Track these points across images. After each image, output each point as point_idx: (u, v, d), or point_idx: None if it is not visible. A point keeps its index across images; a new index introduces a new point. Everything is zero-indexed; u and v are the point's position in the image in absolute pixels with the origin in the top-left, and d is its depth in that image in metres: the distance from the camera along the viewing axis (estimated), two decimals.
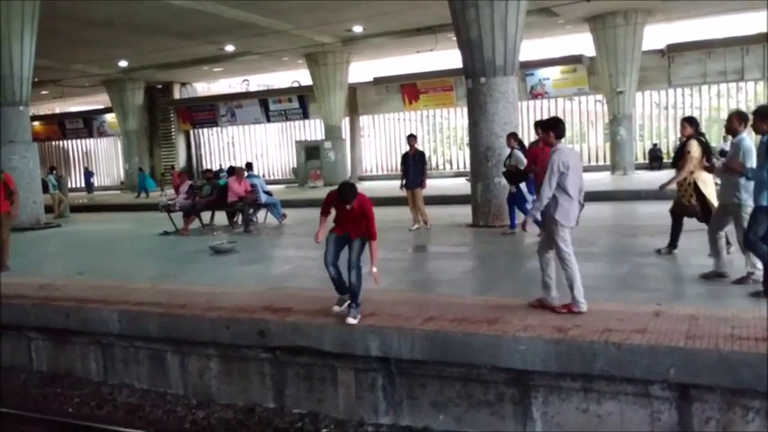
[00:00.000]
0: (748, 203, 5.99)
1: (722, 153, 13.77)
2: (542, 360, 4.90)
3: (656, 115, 25.37)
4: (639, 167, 22.67)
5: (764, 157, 5.60)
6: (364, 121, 28.70)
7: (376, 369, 5.61)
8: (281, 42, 21.65)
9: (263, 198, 13.26)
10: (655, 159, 23.02)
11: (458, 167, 26.63)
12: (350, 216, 5.72)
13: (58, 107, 36.09)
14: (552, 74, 24.06)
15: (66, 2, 15.55)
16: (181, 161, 30.79)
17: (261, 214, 13.70)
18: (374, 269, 5.65)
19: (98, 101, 32.43)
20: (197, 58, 24.30)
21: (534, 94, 24.53)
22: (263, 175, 23.37)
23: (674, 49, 22.37)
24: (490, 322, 5.33)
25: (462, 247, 9.63)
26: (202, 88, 32.67)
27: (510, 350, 4.99)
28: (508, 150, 10.09)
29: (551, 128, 5.70)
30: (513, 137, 10.14)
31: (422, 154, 11.75)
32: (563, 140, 5.81)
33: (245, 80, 32.46)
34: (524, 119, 25.15)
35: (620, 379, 4.72)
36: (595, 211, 11.54)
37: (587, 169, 22.63)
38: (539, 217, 6.03)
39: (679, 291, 6.50)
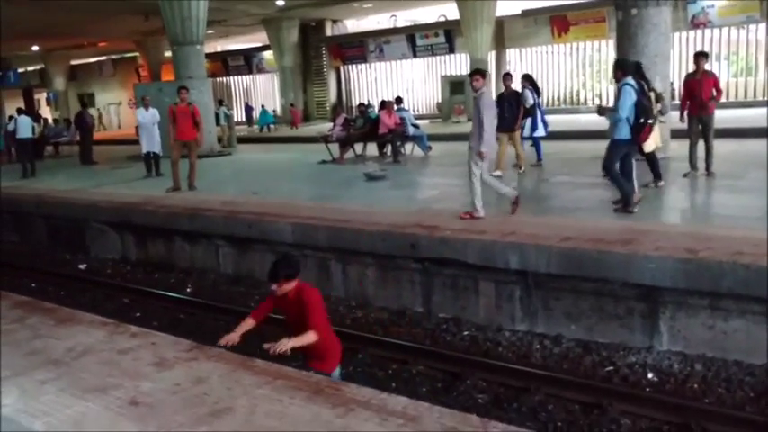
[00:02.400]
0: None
1: None
2: (671, 277, 5.29)
3: None
4: None
5: (615, 100, 7.13)
6: (511, 54, 28.33)
7: (514, 281, 6.24)
8: None
9: (411, 131, 14.02)
10: None
11: (608, 102, 25.77)
12: (290, 315, 4.25)
13: (220, 46, 38.67)
14: (717, 0, 22.35)
15: None
16: (331, 97, 32.22)
17: (408, 146, 14.49)
18: (289, 343, 3.88)
19: (257, 39, 34.37)
20: None
21: (696, 23, 22.94)
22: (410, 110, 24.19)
23: None
24: (624, 243, 5.76)
25: (604, 179, 9.83)
26: (352, 25, 33.57)
27: (641, 267, 5.42)
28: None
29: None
30: (525, 78, 11.21)
31: (517, 94, 10.52)
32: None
33: (392, 16, 32.94)
34: (683, 50, 23.79)
35: (747, 298, 5.02)
36: (755, 146, 11.19)
37: (753, 105, 21.27)
38: None
39: None
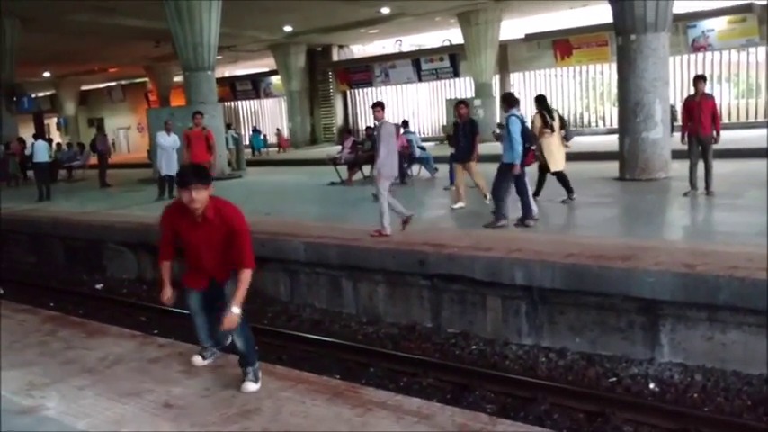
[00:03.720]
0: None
1: None
2: (670, 291, 5.52)
3: None
4: None
5: (505, 129, 7.96)
6: (515, 78, 28.79)
7: (520, 297, 6.48)
8: (435, 3, 22.33)
9: (418, 153, 14.35)
10: None
11: (611, 124, 26.06)
12: (206, 240, 3.67)
13: (228, 71, 39.34)
14: (717, 24, 22.74)
15: None
16: (338, 120, 32.71)
17: (415, 168, 14.79)
18: (234, 309, 3.61)
19: (264, 64, 34.99)
20: (355, 21, 25.63)
21: (696, 46, 23.35)
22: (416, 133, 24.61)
23: None
24: (624, 258, 6.00)
25: (606, 198, 10.12)
26: (358, 50, 34.17)
27: (641, 281, 5.66)
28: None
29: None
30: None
31: (473, 122, 9.92)
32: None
33: (398, 41, 33.54)
34: (684, 73, 24.15)
35: (743, 310, 5.25)
36: (755, 166, 11.48)
37: (755, 126, 21.51)
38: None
39: None
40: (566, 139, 9.59)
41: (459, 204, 9.79)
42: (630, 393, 5.37)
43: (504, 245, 6.90)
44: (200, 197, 3.48)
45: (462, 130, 9.75)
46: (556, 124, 9.37)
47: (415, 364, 6.22)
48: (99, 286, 10.27)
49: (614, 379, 5.63)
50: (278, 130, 33.16)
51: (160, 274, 3.92)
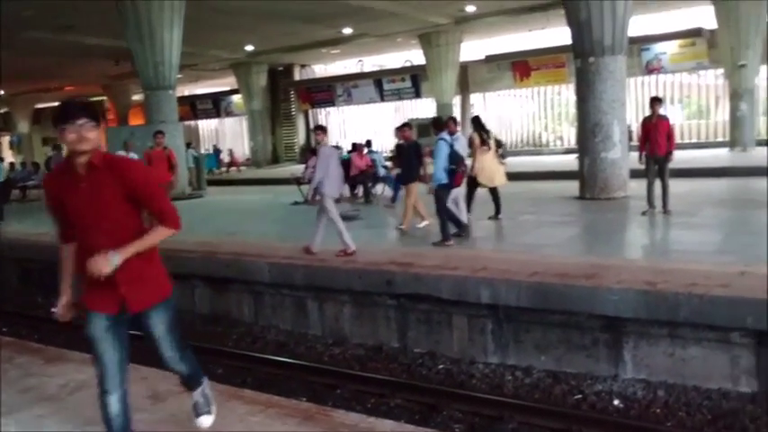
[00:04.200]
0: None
1: None
2: (633, 309, 5.64)
3: None
4: (762, 144, 21.84)
5: (437, 152, 8.28)
6: (475, 98, 29.24)
7: (486, 315, 6.53)
8: (397, 24, 22.60)
9: (382, 172, 14.40)
10: None
11: (569, 144, 26.64)
12: (95, 202, 2.68)
13: (188, 90, 39.01)
14: (669, 48, 23.54)
15: None
16: (300, 139, 32.66)
17: (379, 186, 14.84)
18: (114, 257, 2.63)
19: (225, 83, 34.80)
20: (317, 41, 25.74)
21: (650, 69, 24.10)
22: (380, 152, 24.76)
23: None
24: (588, 277, 6.11)
25: (568, 217, 10.30)
26: (320, 70, 34.28)
27: (604, 299, 5.76)
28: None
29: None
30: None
31: (417, 145, 9.77)
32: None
33: (359, 61, 33.76)
34: (639, 95, 24.86)
35: (702, 326, 5.39)
36: (709, 185, 11.86)
37: (707, 146, 22.31)
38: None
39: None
40: (502, 157, 10.02)
41: (425, 223, 9.75)
42: (596, 410, 5.44)
43: (469, 264, 6.95)
44: (90, 136, 2.61)
45: (407, 152, 9.66)
46: (492, 142, 9.80)
47: (382, 384, 6.19)
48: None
49: (579, 396, 5.70)
50: (230, 150, 33.52)
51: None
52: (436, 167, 8.32)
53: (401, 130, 9.83)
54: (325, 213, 8.11)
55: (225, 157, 32.75)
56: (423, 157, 9.64)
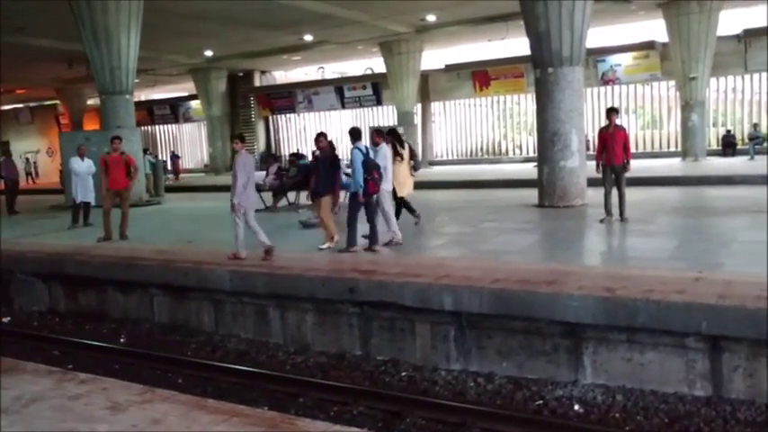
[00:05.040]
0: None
1: None
2: (592, 315, 5.74)
3: (730, 101, 25.07)
4: (712, 154, 22.63)
5: (352, 161, 8.48)
6: (436, 107, 29.50)
7: (449, 322, 6.56)
8: (358, 32, 22.67)
9: (344, 179, 14.32)
10: (728, 146, 22.88)
11: (527, 153, 27.07)
12: None
13: (144, 95, 38.38)
14: (624, 60, 24.18)
15: None
16: (260, 146, 32.42)
17: (341, 194, 14.75)
18: None
19: (183, 88, 34.38)
20: (278, 47, 25.65)
21: (606, 80, 24.72)
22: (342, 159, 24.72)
23: (752, 34, 22.09)
24: (549, 283, 6.20)
25: (528, 224, 10.45)
26: (281, 76, 34.14)
27: (565, 306, 5.85)
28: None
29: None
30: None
31: (334, 157, 9.34)
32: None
33: (320, 68, 33.75)
34: (595, 105, 25.44)
35: (659, 331, 5.52)
36: (662, 193, 12.18)
37: (660, 156, 22.99)
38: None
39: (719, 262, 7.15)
40: (414, 168, 10.43)
41: (327, 245, 8.93)
42: (556, 415, 5.51)
43: (432, 271, 6.99)
44: None
45: (323, 164, 9.05)
46: (405, 153, 10.11)
47: (345, 392, 6.15)
48: (6, 320, 9.67)
49: (541, 402, 5.76)
50: (173, 152, 32.61)
51: None
52: (352, 176, 8.59)
53: (317, 140, 9.19)
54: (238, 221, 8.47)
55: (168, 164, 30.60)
56: (339, 170, 9.32)
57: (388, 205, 9.13)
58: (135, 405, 3.78)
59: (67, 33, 17.59)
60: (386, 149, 9.27)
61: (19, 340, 8.45)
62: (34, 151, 39.93)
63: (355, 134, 8.91)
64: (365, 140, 9.50)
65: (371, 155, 8.69)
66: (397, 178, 9.78)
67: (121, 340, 8.33)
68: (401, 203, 10.37)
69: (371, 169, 8.44)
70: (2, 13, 17.20)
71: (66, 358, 7.70)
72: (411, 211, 10.52)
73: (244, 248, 8.44)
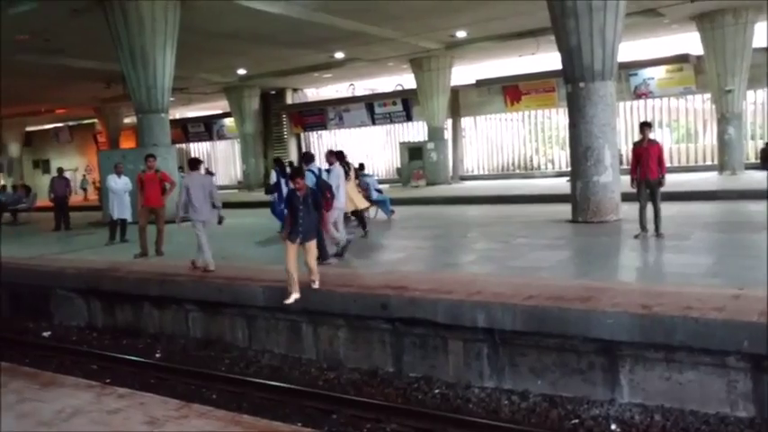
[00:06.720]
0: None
1: None
2: (628, 332, 5.65)
3: None
4: (750, 167, 22.15)
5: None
6: (466, 122, 29.48)
7: (482, 339, 6.51)
8: (388, 49, 22.83)
9: (375, 195, 14.43)
10: (767, 159, 22.39)
11: (559, 167, 26.85)
12: None
13: (179, 113, 39.11)
14: (657, 73, 23.91)
15: (198, 17, 17.18)
16: (294, 162, 32.74)
17: (372, 210, 14.84)
18: None
19: (217, 106, 34.94)
20: (309, 65, 25.95)
21: (638, 93, 24.46)
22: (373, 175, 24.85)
23: None
24: (583, 300, 6.13)
25: (561, 240, 10.35)
26: (312, 93, 34.49)
27: (600, 323, 5.77)
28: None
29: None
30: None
31: (315, 192, 7.87)
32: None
33: (351, 85, 34.04)
34: (628, 119, 25.17)
35: (698, 350, 5.40)
36: (698, 208, 11.98)
37: (696, 169, 22.58)
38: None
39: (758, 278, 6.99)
40: (359, 186, 12.35)
41: (295, 296, 7.55)
42: None
43: (464, 287, 6.96)
44: None
45: (304, 203, 7.52)
46: (351, 173, 11.22)
47: (377, 409, 6.15)
48: (46, 334, 9.89)
49: (576, 420, 5.68)
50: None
51: None
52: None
53: (293, 179, 7.83)
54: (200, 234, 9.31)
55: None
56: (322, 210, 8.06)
57: (340, 221, 10.01)
58: (172, 420, 3.82)
59: (106, 54, 18.04)
60: (339, 169, 10.04)
61: (59, 354, 8.64)
62: (73, 169, 40.91)
63: (308, 158, 9.99)
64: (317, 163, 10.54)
65: (324, 176, 9.55)
66: (347, 195, 10.70)
67: (157, 355, 8.46)
68: (356, 215, 11.97)
69: (324, 189, 8.74)
70: (45, 35, 17.76)
71: (104, 372, 7.84)
72: (363, 224, 11.76)
73: (209, 256, 9.35)
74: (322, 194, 8.52)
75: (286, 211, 8.01)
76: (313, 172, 9.31)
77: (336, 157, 10.48)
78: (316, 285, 7.67)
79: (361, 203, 11.52)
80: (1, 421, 3.94)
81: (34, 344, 9.34)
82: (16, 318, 10.83)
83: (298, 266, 7.51)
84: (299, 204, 7.52)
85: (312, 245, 7.69)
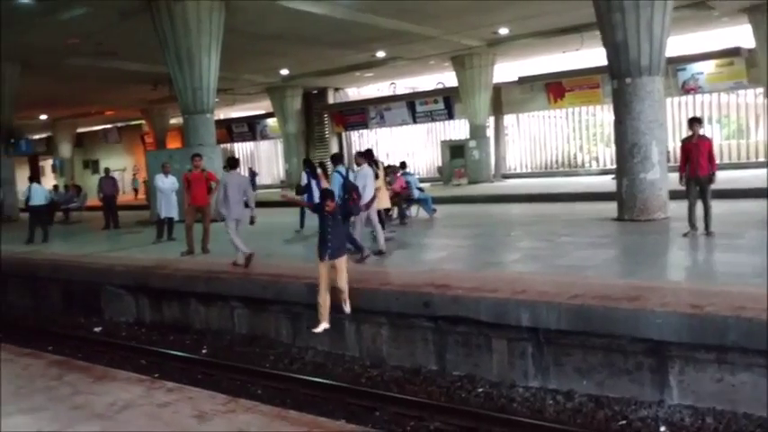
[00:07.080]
0: None
1: None
2: (678, 332, 5.52)
3: None
4: None
5: (333, 183, 9.57)
6: (508, 119, 29.21)
7: (526, 338, 6.45)
8: (430, 47, 22.79)
9: (416, 194, 14.43)
10: None
11: (604, 165, 26.39)
12: None
13: (224, 113, 39.75)
14: (706, 68, 23.26)
15: (242, 18, 17.46)
16: None
17: (414, 208, 14.85)
18: None
19: (261, 106, 35.39)
20: (351, 64, 26.09)
21: (687, 89, 23.83)
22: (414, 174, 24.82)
23: None
24: (630, 299, 6.01)
25: (606, 239, 10.17)
26: (353, 93, 34.66)
27: (648, 323, 5.66)
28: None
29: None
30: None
31: (342, 206, 8.03)
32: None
33: (392, 83, 34.06)
34: (675, 115, 24.57)
35: (752, 351, 5.24)
36: (750, 206, 11.63)
37: (747, 166, 21.89)
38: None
39: None
40: (389, 183, 12.06)
41: (323, 326, 7.56)
42: None
43: (508, 286, 6.91)
44: None
45: (333, 220, 7.44)
46: (380, 172, 10.98)
47: (421, 407, 6.15)
48: (98, 329, 10.17)
49: (624, 422, 5.58)
50: (251, 169, 31.49)
51: None
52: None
53: (324, 199, 7.55)
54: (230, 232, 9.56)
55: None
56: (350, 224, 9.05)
57: (375, 219, 10.00)
58: (219, 414, 3.89)
59: (153, 56, 18.46)
60: (367, 170, 9.98)
61: (110, 349, 8.87)
62: (121, 169, 42.00)
63: (336, 159, 10.30)
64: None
65: (351, 177, 9.64)
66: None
67: (203, 351, 8.61)
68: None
69: (350, 190, 8.91)
70: (95, 39, 18.26)
71: (153, 367, 8.02)
72: (381, 223, 11.28)
73: (241, 254, 9.54)
74: (349, 195, 8.78)
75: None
76: (340, 173, 9.52)
77: (365, 156, 10.50)
78: (347, 310, 7.50)
79: (384, 203, 11.33)
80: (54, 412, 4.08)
81: (86, 338, 9.62)
82: (69, 313, 11.17)
83: (328, 296, 7.42)
84: (328, 222, 7.45)
85: (342, 263, 7.44)
